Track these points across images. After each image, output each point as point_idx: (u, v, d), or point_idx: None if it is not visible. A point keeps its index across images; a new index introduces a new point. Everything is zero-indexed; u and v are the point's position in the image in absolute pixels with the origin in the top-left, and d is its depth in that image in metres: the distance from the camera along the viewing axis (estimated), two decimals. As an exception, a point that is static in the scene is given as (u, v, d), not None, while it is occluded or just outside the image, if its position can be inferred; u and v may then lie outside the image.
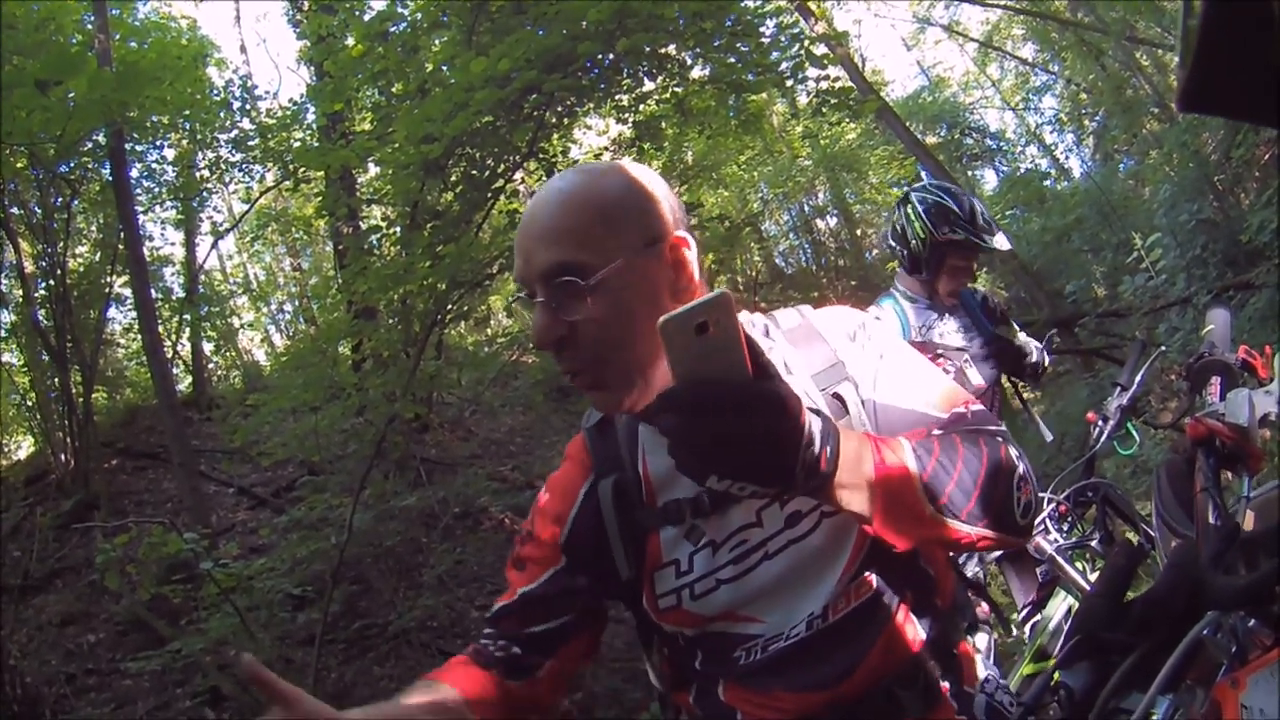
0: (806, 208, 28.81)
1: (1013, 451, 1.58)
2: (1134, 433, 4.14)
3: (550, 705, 1.86)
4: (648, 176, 1.64)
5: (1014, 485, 1.53)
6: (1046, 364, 4.77)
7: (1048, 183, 22.78)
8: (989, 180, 27.68)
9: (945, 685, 1.74)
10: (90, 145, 11.83)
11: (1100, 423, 4.10)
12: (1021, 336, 4.74)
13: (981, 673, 1.90)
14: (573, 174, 1.62)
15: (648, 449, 1.72)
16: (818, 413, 1.33)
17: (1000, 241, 4.32)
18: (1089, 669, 1.73)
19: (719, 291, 1.23)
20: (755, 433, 1.22)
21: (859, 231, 28.06)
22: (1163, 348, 6.00)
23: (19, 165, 11.43)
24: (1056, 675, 1.88)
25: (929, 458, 1.47)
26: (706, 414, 1.21)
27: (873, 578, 1.69)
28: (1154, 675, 1.59)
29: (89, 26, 11.90)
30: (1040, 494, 1.66)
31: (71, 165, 12.46)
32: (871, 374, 1.71)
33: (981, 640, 4.00)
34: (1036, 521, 3.63)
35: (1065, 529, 3.93)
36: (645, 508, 1.71)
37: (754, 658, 1.70)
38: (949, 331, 4.43)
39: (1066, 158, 26.67)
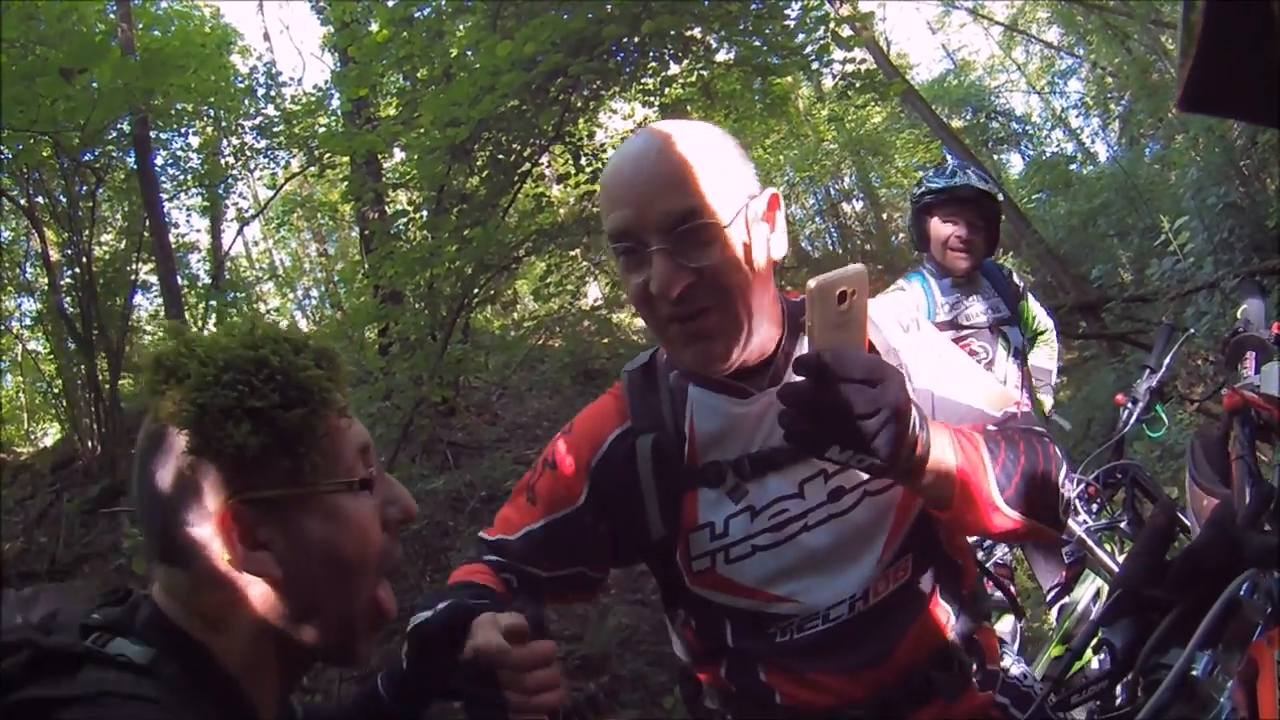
0: (832, 191, 28.83)
1: (1058, 452, 1.62)
2: (1163, 416, 4.14)
3: None
4: (728, 135, 1.65)
5: (1059, 482, 1.58)
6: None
7: (1073, 167, 22.57)
8: (1015, 164, 27.50)
9: (972, 666, 1.78)
10: (115, 133, 11.84)
11: (1129, 405, 4.10)
12: (1039, 316, 4.78)
13: (1011, 666, 1.93)
14: (666, 128, 1.60)
15: (698, 411, 1.71)
16: None
17: (969, 178, 4.29)
18: (1130, 625, 1.74)
19: (858, 265, 1.26)
20: (887, 404, 1.23)
21: (885, 215, 28.01)
22: (1190, 331, 5.97)
23: (44, 154, 11.43)
24: (1100, 631, 1.89)
25: (999, 451, 1.52)
26: (845, 381, 1.21)
27: (909, 561, 1.72)
28: (1193, 632, 1.60)
29: (112, 16, 11.91)
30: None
31: (96, 153, 12.44)
32: (932, 368, 1.74)
33: (1007, 625, 4.01)
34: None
35: (1094, 510, 3.93)
36: (685, 467, 1.71)
37: (790, 636, 1.70)
38: (976, 314, 4.44)
39: (1092, 141, 26.39)
